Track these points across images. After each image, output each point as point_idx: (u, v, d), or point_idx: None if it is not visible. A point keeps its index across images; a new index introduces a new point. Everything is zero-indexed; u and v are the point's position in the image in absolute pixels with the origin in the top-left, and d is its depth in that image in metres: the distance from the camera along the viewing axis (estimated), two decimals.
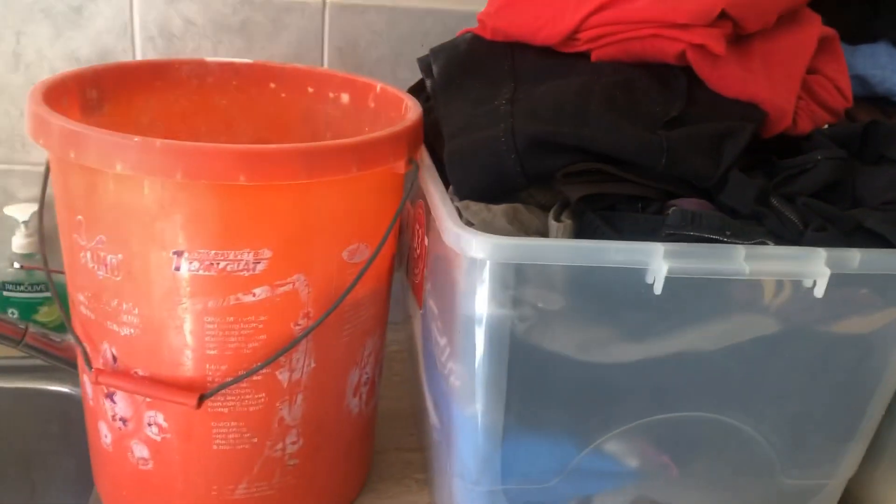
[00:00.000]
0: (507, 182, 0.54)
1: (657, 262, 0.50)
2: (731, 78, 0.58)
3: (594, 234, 0.54)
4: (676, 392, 0.57)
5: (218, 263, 0.55)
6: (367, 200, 0.60)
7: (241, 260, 0.55)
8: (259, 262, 0.55)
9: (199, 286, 0.55)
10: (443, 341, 0.61)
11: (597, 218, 0.54)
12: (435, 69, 0.68)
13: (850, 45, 0.72)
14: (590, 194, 0.54)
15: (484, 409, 0.56)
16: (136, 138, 0.50)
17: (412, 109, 0.65)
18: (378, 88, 0.74)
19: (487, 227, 0.52)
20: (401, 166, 0.60)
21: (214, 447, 0.61)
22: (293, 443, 0.63)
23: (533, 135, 0.54)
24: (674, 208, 0.52)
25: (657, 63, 0.60)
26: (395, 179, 0.62)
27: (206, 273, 0.55)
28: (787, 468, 0.62)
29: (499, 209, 0.53)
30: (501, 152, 0.54)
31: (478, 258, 0.50)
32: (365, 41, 0.92)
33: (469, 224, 0.53)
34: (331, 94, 0.77)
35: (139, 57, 0.88)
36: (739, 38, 0.60)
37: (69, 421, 0.88)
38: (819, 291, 0.52)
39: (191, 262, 0.54)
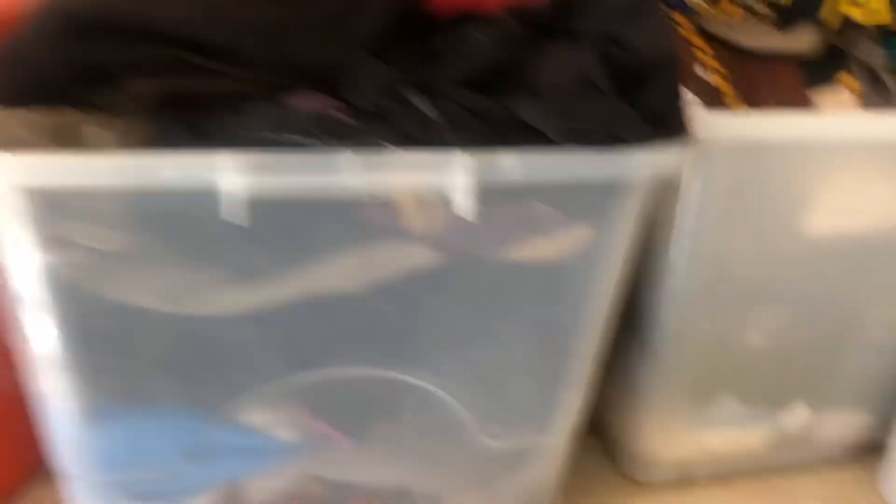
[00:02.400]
0: (47, 79, 0.40)
1: (226, 178, 0.37)
2: None
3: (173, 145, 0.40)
4: (320, 345, 0.45)
5: None
6: None
7: None
8: None
9: None
10: None
11: (180, 124, 0.40)
12: None
13: None
14: (171, 93, 0.40)
15: (58, 385, 0.43)
16: None
17: None
18: None
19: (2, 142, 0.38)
20: None
21: None
22: None
23: (74, 13, 0.39)
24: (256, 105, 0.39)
25: None
26: None
27: None
28: (488, 427, 0.51)
29: (29, 117, 0.39)
30: (38, 40, 0.39)
31: None
32: None
33: None
34: None
35: None
36: None
37: None
38: (463, 206, 0.40)
39: None
